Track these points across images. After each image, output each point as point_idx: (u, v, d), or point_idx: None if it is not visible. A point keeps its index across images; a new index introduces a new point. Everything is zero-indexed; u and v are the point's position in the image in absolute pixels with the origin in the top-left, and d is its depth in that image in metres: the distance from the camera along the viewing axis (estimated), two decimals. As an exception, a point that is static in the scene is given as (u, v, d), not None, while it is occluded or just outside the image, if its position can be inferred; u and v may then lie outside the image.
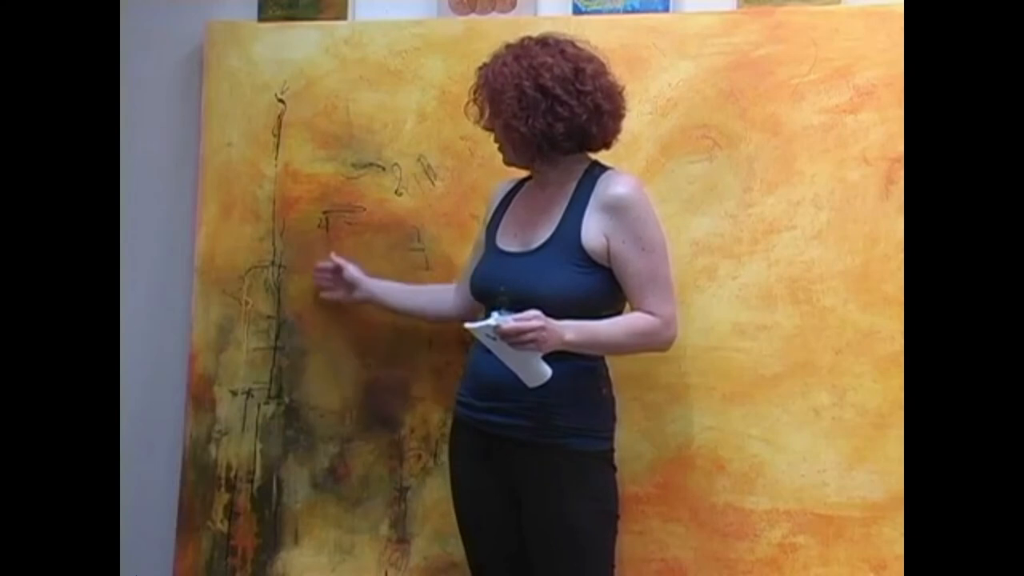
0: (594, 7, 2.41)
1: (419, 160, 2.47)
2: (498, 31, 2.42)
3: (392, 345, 2.46)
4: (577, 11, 2.42)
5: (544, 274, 1.98)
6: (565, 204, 2.03)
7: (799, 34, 2.28)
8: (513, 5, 2.47)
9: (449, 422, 2.25)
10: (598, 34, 2.34)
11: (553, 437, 1.98)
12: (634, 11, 2.39)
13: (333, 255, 2.40)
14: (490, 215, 2.19)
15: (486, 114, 2.06)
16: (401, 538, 2.44)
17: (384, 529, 2.45)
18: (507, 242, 2.09)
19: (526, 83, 1.98)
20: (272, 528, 2.51)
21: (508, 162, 2.11)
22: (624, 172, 2.09)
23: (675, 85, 2.32)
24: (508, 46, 2.06)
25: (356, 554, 2.46)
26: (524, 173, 2.16)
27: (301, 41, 2.55)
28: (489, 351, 1.92)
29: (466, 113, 2.12)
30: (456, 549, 2.39)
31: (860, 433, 2.20)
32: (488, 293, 2.03)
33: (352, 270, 2.37)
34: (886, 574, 2.16)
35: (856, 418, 2.20)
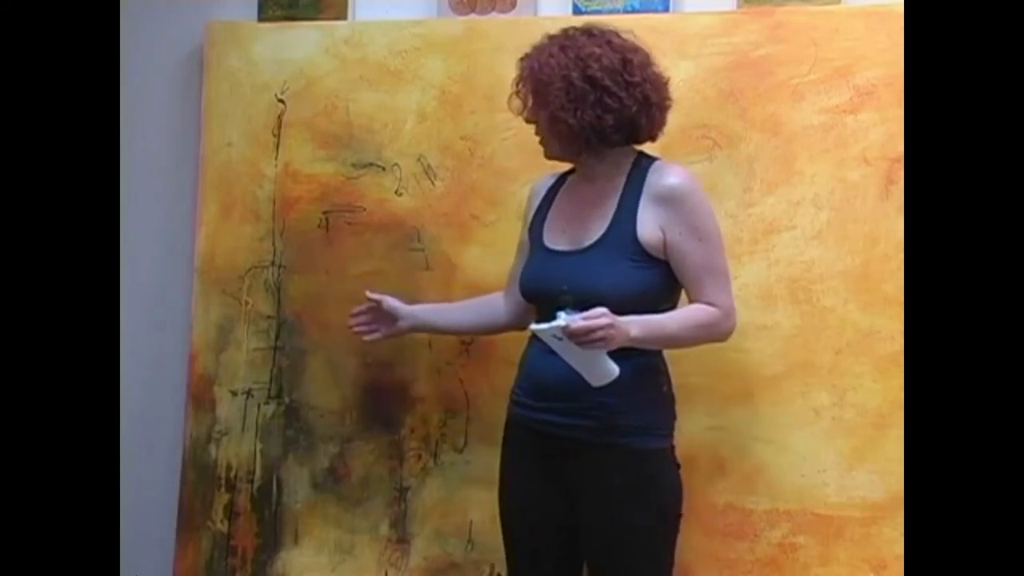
0: (594, 7, 2.41)
1: (419, 160, 2.47)
2: (498, 31, 2.43)
3: (392, 345, 2.46)
4: (577, 11, 2.42)
5: (602, 271, 1.93)
6: (616, 198, 1.98)
7: (799, 34, 2.28)
8: (513, 5, 2.47)
9: (449, 422, 2.26)
10: (598, 34, 2.35)
11: (615, 436, 1.94)
12: (634, 11, 2.39)
13: (369, 293, 2.22)
14: (532, 214, 2.13)
15: (529, 106, 2.00)
16: (401, 538, 2.44)
17: (384, 529, 2.45)
18: (556, 240, 2.03)
19: (574, 74, 1.93)
20: (272, 528, 2.51)
21: (551, 156, 2.04)
22: (674, 162, 2.04)
23: (675, 85, 2.30)
24: (551, 36, 2.00)
25: (356, 554, 2.46)
26: (562, 168, 2.11)
27: (301, 41, 2.55)
28: (551, 351, 1.87)
29: (509, 106, 2.05)
30: (456, 549, 2.39)
31: (860, 433, 2.20)
32: (542, 294, 1.97)
33: (390, 301, 2.22)
34: (886, 574, 2.16)
35: (856, 418, 2.20)
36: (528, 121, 2.03)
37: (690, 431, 2.25)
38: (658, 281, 1.96)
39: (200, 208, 2.58)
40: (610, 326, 1.81)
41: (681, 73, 2.31)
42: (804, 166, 2.26)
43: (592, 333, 1.79)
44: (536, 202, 2.13)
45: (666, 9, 2.38)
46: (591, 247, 1.97)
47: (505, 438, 2.12)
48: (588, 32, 1.99)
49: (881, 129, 2.22)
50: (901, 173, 2.17)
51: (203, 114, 2.60)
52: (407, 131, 2.48)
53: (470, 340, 2.40)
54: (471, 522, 2.39)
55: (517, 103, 2.02)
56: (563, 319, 1.80)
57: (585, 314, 1.80)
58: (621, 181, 2.00)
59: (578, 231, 2.00)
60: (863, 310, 2.21)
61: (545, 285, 1.96)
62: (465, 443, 2.41)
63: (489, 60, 2.42)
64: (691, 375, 2.23)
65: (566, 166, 2.10)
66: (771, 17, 2.30)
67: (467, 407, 2.41)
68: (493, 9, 2.48)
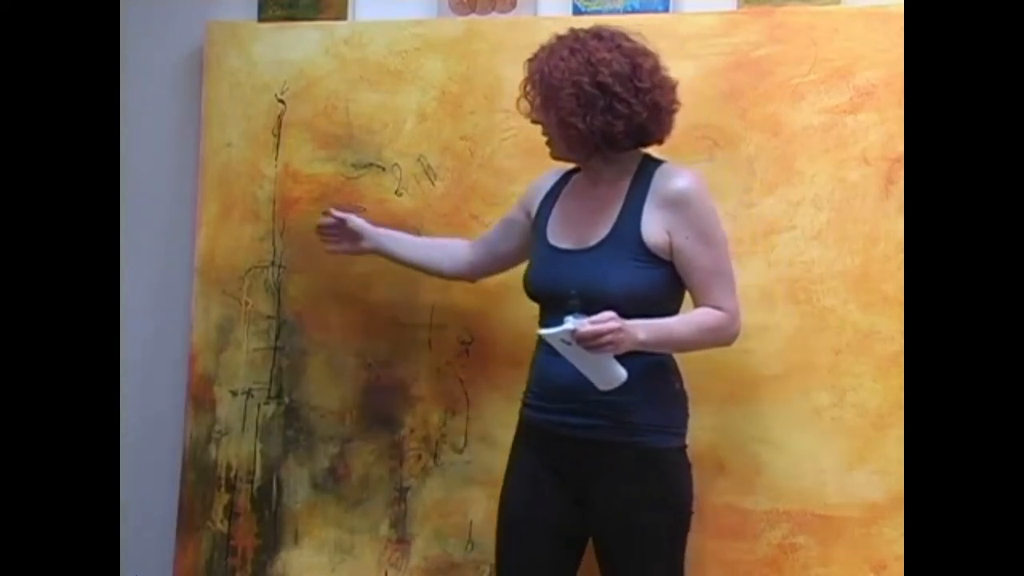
0: (594, 7, 2.41)
1: (419, 160, 2.47)
2: (498, 31, 2.43)
3: (392, 345, 2.46)
4: (577, 11, 2.42)
5: (607, 271, 1.93)
6: (622, 200, 1.99)
7: (799, 34, 2.28)
8: (513, 5, 2.47)
9: (449, 422, 2.26)
10: (598, 34, 2.34)
11: (630, 435, 1.94)
12: (634, 11, 2.39)
13: (333, 210, 2.29)
14: (535, 206, 2.12)
15: (537, 108, 1.99)
16: (401, 538, 2.44)
17: (384, 529, 2.45)
18: (560, 239, 2.03)
19: (584, 79, 1.92)
20: (272, 528, 2.51)
21: (557, 156, 2.05)
22: (681, 166, 2.04)
23: (675, 85, 2.32)
24: (560, 38, 1.99)
25: (356, 554, 2.46)
26: (566, 166, 2.11)
27: (301, 41, 2.55)
28: (558, 352, 1.87)
29: (518, 108, 2.04)
30: (456, 549, 2.39)
31: (860, 433, 2.20)
32: (549, 294, 1.98)
33: (355, 220, 2.29)
34: (886, 574, 2.16)
35: (856, 418, 2.20)
36: (534, 122, 2.02)
37: (690, 431, 2.25)
38: (663, 282, 1.97)
39: (200, 208, 2.58)
40: (618, 330, 1.80)
41: (681, 73, 2.29)
42: (804, 166, 2.26)
43: (600, 337, 1.79)
44: (539, 197, 2.13)
45: (666, 9, 2.38)
46: (596, 246, 1.97)
47: (516, 442, 2.11)
48: (598, 35, 1.98)
49: (881, 129, 2.22)
50: (901, 173, 2.17)
51: (203, 114, 2.60)
52: (407, 131, 2.48)
53: (470, 340, 2.40)
54: (471, 522, 2.39)
55: (525, 105, 2.02)
56: (571, 323, 1.80)
57: (593, 318, 1.80)
58: (627, 183, 2.00)
59: (583, 231, 2.00)
60: (863, 310, 2.21)
61: (553, 284, 1.96)
62: (465, 443, 2.41)
63: (489, 60, 2.42)
64: (691, 375, 2.23)
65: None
66: (771, 17, 2.30)
67: (467, 407, 2.41)
68: (493, 9, 2.48)
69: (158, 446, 2.62)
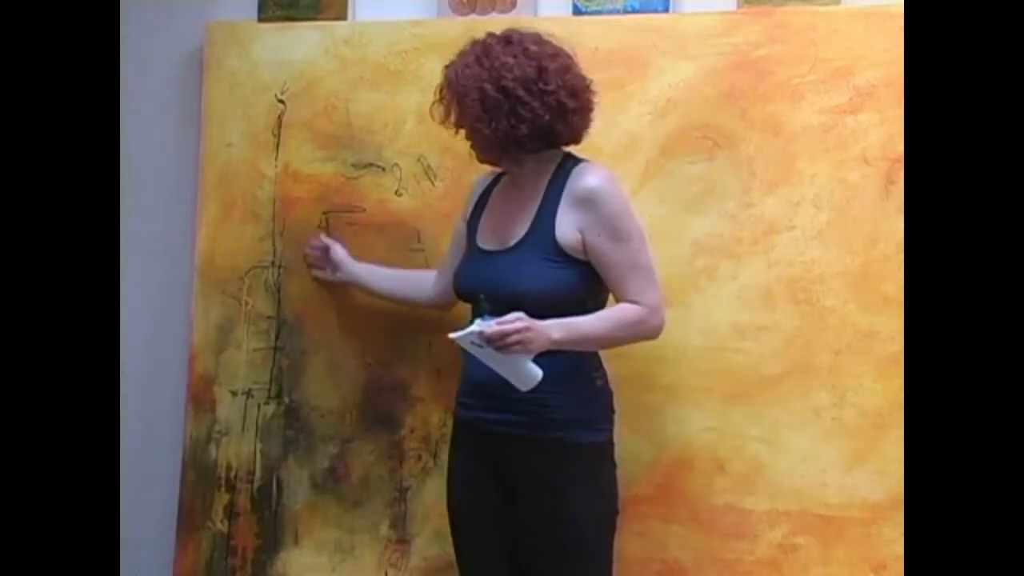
0: (594, 7, 2.41)
1: (419, 160, 2.47)
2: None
3: (392, 345, 2.46)
4: (577, 11, 2.41)
5: (521, 272, 1.97)
6: (539, 200, 2.03)
7: (799, 34, 2.28)
8: (513, 5, 2.47)
9: (449, 422, 2.25)
10: (598, 34, 2.34)
11: (550, 431, 1.98)
12: (634, 11, 2.39)
13: (322, 236, 2.44)
14: (469, 210, 2.18)
15: (452, 114, 2.05)
16: (401, 538, 2.44)
17: (384, 529, 2.45)
18: (486, 240, 2.09)
19: (488, 85, 1.96)
20: (272, 528, 2.51)
21: (480, 160, 2.10)
22: (596, 164, 2.07)
23: (675, 85, 2.32)
24: (473, 43, 2.04)
25: (356, 554, 2.46)
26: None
27: (301, 41, 2.55)
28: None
29: (431, 114, 2.09)
30: (456, 549, 2.39)
31: (860, 433, 2.20)
32: (472, 295, 2.03)
33: (338, 251, 2.41)
34: (886, 574, 2.16)
35: (856, 418, 2.20)
36: (455, 127, 2.06)
37: (690, 431, 2.25)
38: (578, 281, 1.99)
39: (200, 208, 2.58)
40: (527, 329, 1.84)
41: (681, 73, 2.31)
42: (804, 166, 2.26)
43: (507, 337, 1.83)
44: (474, 199, 2.19)
45: (666, 9, 2.38)
46: (514, 247, 2.01)
47: (452, 441, 2.18)
48: (507, 40, 2.02)
49: (881, 129, 2.22)
50: (901, 173, 2.17)
51: (203, 114, 2.60)
52: (407, 131, 2.48)
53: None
54: (471, 522, 2.39)
55: (440, 110, 2.06)
56: (479, 325, 1.84)
57: (500, 319, 1.84)
58: (544, 183, 2.04)
59: (505, 232, 2.05)
60: (863, 310, 2.21)
61: (475, 286, 2.01)
62: (465, 443, 2.41)
63: (489, 60, 2.42)
64: (691, 375, 2.24)
65: None
66: (771, 17, 2.30)
67: (467, 407, 2.41)
68: (493, 9, 2.48)
69: (158, 446, 2.62)
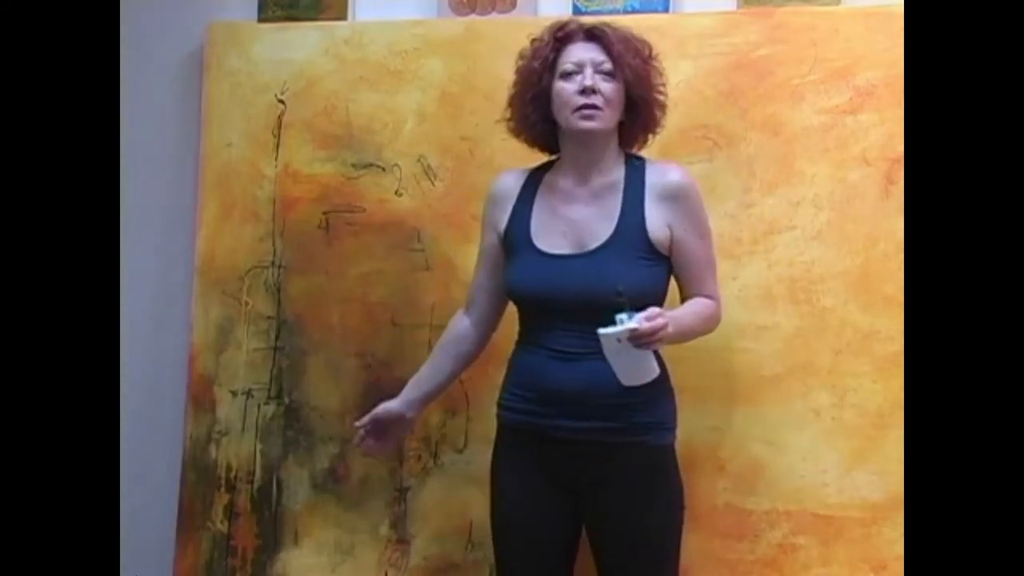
0: (594, 7, 2.41)
1: (419, 160, 2.47)
2: (498, 31, 2.43)
3: (392, 345, 2.46)
4: (577, 11, 2.41)
5: (618, 271, 1.89)
6: (619, 197, 1.98)
7: (799, 34, 2.28)
8: (513, 5, 2.47)
9: (449, 423, 2.26)
10: (598, 34, 2.34)
11: (633, 435, 1.93)
12: (634, 11, 2.39)
13: (356, 424, 2.16)
14: (506, 218, 2.05)
15: (621, 78, 1.97)
16: (401, 538, 2.44)
17: (384, 529, 2.45)
18: (553, 244, 1.97)
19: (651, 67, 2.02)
20: (272, 528, 2.51)
21: (589, 143, 1.99)
22: (664, 161, 2.08)
23: (675, 85, 2.31)
24: (598, 23, 2.02)
25: (356, 554, 2.46)
26: (524, 165, 2.10)
27: (301, 41, 2.55)
28: (555, 358, 1.91)
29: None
30: (456, 549, 2.39)
31: (860, 433, 2.20)
32: (547, 300, 1.94)
33: (381, 411, 2.14)
34: (886, 574, 2.16)
35: (856, 418, 2.20)
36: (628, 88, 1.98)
37: (690, 431, 2.25)
38: (666, 278, 1.99)
39: (200, 208, 2.58)
40: (666, 326, 1.81)
41: (681, 73, 2.31)
42: (804, 166, 2.26)
43: (656, 334, 1.79)
44: (508, 205, 2.06)
45: (666, 9, 2.38)
46: (600, 248, 1.95)
47: (499, 447, 2.08)
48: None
49: (881, 129, 2.22)
50: (901, 173, 2.17)
51: (203, 114, 2.60)
52: (407, 131, 2.48)
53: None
54: (471, 522, 2.39)
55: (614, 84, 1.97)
56: (632, 322, 1.78)
57: (645, 314, 1.80)
58: (619, 181, 2.00)
59: (580, 232, 1.98)
60: (863, 310, 2.21)
61: (552, 290, 1.94)
62: (465, 443, 2.41)
63: (489, 60, 2.42)
64: (691, 375, 2.23)
65: (527, 163, 2.09)
66: (771, 18, 2.30)
67: (467, 407, 2.41)
68: (493, 9, 2.48)
69: (158, 446, 2.62)
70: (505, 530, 2.05)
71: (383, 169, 2.49)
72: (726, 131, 2.30)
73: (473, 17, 2.48)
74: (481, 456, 2.37)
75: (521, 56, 2.05)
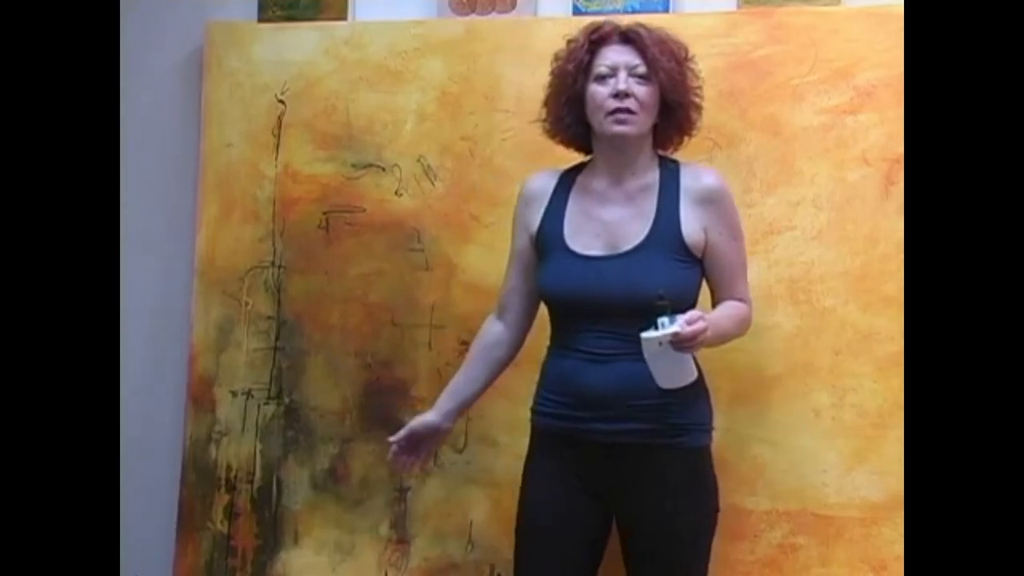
0: (594, 8, 2.41)
1: (419, 160, 2.47)
2: (498, 31, 2.43)
3: (392, 345, 2.46)
4: (577, 12, 2.41)
5: (655, 273, 1.89)
6: (654, 199, 1.97)
7: (799, 35, 2.28)
8: (513, 5, 2.47)
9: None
10: (598, 34, 2.34)
11: (671, 436, 1.92)
12: (634, 11, 2.38)
13: (391, 439, 2.11)
14: (539, 217, 2.03)
15: (656, 82, 1.97)
16: (401, 538, 2.44)
17: (384, 529, 2.45)
18: (587, 245, 1.96)
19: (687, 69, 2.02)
20: (272, 528, 2.51)
21: (624, 151, 1.98)
22: (698, 163, 2.08)
23: (675, 85, 2.32)
24: (633, 25, 2.01)
25: (356, 554, 2.46)
26: (554, 166, 2.08)
27: (301, 42, 2.55)
28: (591, 360, 1.90)
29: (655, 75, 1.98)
30: (456, 549, 2.39)
31: (860, 434, 2.20)
32: (582, 301, 1.93)
33: (417, 424, 2.11)
34: (886, 574, 2.16)
35: (856, 419, 2.20)
36: (662, 89, 1.98)
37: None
38: (699, 280, 1.99)
39: (200, 208, 2.58)
40: (707, 329, 1.81)
41: (681, 73, 2.31)
42: (804, 166, 2.26)
43: (697, 338, 1.79)
44: (541, 206, 2.04)
45: (666, 9, 2.38)
46: (634, 250, 1.94)
47: (533, 451, 2.06)
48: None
49: (881, 130, 2.22)
50: (901, 173, 2.17)
51: (203, 114, 2.60)
52: (407, 131, 2.48)
53: (470, 340, 2.39)
54: (471, 522, 2.39)
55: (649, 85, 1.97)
56: (676, 326, 1.78)
57: (686, 318, 1.79)
58: (654, 182, 1.99)
59: (614, 234, 1.97)
60: (863, 310, 2.21)
61: (587, 292, 1.93)
62: (465, 443, 2.41)
63: (489, 60, 2.42)
64: (691, 375, 2.23)
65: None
66: (771, 18, 2.30)
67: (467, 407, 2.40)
68: (493, 9, 2.48)
69: (158, 446, 2.62)
70: (532, 532, 2.02)
71: (383, 169, 2.49)
72: (726, 131, 2.30)
73: (473, 17, 2.48)
74: (481, 456, 2.38)
75: (556, 57, 2.03)
